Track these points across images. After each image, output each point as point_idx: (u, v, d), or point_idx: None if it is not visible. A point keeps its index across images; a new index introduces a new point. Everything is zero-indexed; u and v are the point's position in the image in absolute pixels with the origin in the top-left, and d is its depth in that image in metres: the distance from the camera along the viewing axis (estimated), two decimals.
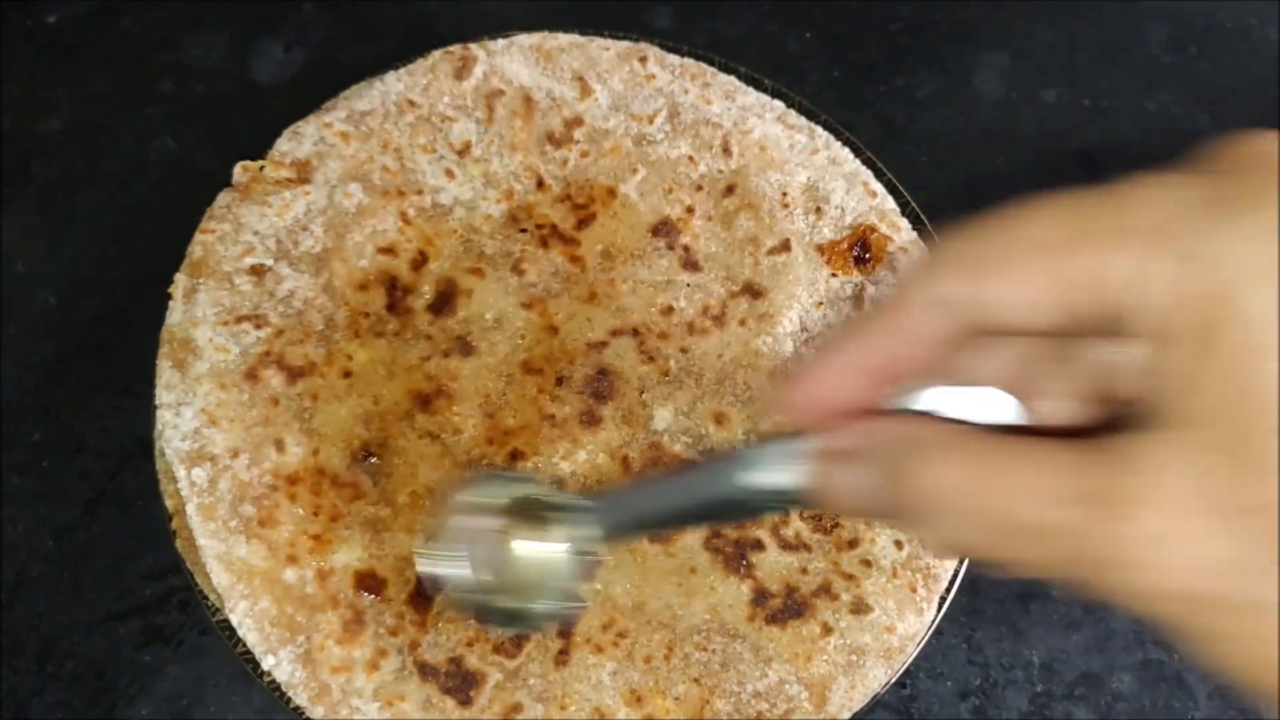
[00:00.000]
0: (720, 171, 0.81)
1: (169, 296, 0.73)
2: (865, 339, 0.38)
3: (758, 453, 0.43)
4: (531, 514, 0.55)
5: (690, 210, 0.80)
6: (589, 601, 0.69)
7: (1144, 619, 0.30)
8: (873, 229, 0.79)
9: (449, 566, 0.55)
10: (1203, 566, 0.28)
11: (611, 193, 0.80)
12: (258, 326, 0.73)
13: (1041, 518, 0.30)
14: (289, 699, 0.66)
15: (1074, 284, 0.31)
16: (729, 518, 0.63)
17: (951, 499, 0.33)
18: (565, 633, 0.68)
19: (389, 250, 0.77)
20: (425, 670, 0.66)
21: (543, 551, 0.54)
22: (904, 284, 0.36)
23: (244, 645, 0.66)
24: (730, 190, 0.81)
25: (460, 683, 0.66)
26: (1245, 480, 0.27)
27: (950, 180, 0.92)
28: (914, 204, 0.81)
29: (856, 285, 0.79)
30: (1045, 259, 0.31)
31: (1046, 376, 0.36)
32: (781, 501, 0.44)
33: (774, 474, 0.42)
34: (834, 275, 0.79)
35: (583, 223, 0.80)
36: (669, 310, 0.78)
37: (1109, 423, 0.34)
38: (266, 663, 0.66)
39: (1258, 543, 0.27)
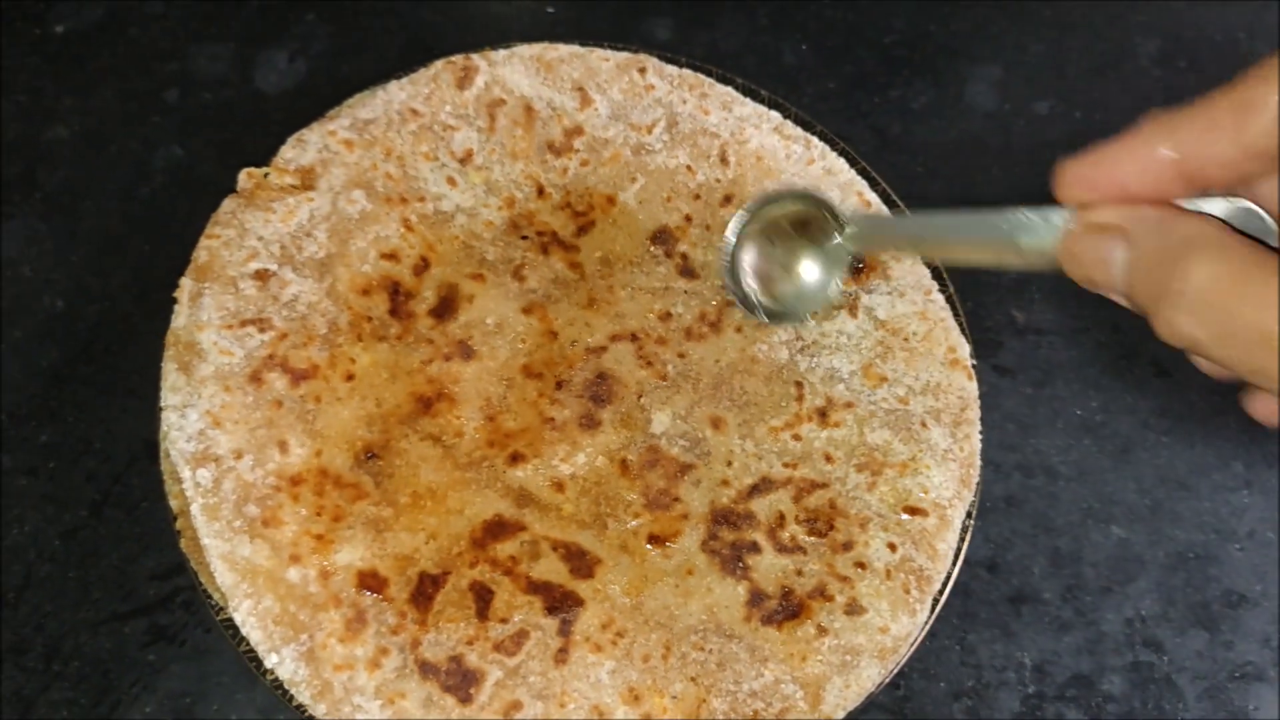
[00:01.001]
0: (718, 181, 0.83)
1: (174, 301, 0.74)
2: (1191, 130, 0.40)
3: (1027, 214, 0.50)
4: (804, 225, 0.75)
5: (688, 219, 0.82)
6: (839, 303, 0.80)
7: None
8: None
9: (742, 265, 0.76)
10: None
11: (611, 201, 0.82)
12: (261, 330, 0.74)
13: None
14: (291, 697, 0.67)
15: None
16: (973, 261, 0.71)
17: (1209, 296, 0.37)
18: (564, 631, 0.69)
19: (391, 256, 0.78)
20: (426, 668, 0.67)
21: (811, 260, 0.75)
22: (1249, 84, 0.38)
23: (247, 644, 0.67)
24: (728, 199, 0.82)
25: (460, 680, 0.67)
26: None
27: (944, 190, 0.94)
28: (908, 212, 0.82)
29: (851, 294, 0.80)
30: None
31: None
32: (1033, 259, 0.50)
33: (1038, 234, 0.49)
34: None
35: (582, 230, 0.81)
36: (667, 316, 0.79)
37: None
38: (269, 661, 0.67)
39: None
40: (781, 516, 0.74)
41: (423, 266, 0.78)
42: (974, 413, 0.77)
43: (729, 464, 0.75)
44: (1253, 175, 0.40)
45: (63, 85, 0.92)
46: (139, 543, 0.78)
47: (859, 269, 0.80)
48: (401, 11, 0.97)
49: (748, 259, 0.77)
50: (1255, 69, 0.39)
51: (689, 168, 0.83)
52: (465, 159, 0.81)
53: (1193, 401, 0.87)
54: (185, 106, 0.92)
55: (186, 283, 0.74)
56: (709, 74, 0.85)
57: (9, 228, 0.87)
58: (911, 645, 0.72)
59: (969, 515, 0.75)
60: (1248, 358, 0.37)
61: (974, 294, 0.88)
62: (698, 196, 0.82)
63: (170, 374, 0.72)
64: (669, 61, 0.85)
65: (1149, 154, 0.41)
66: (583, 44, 0.85)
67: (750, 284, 0.77)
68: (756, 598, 0.71)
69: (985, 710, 0.78)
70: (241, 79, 0.93)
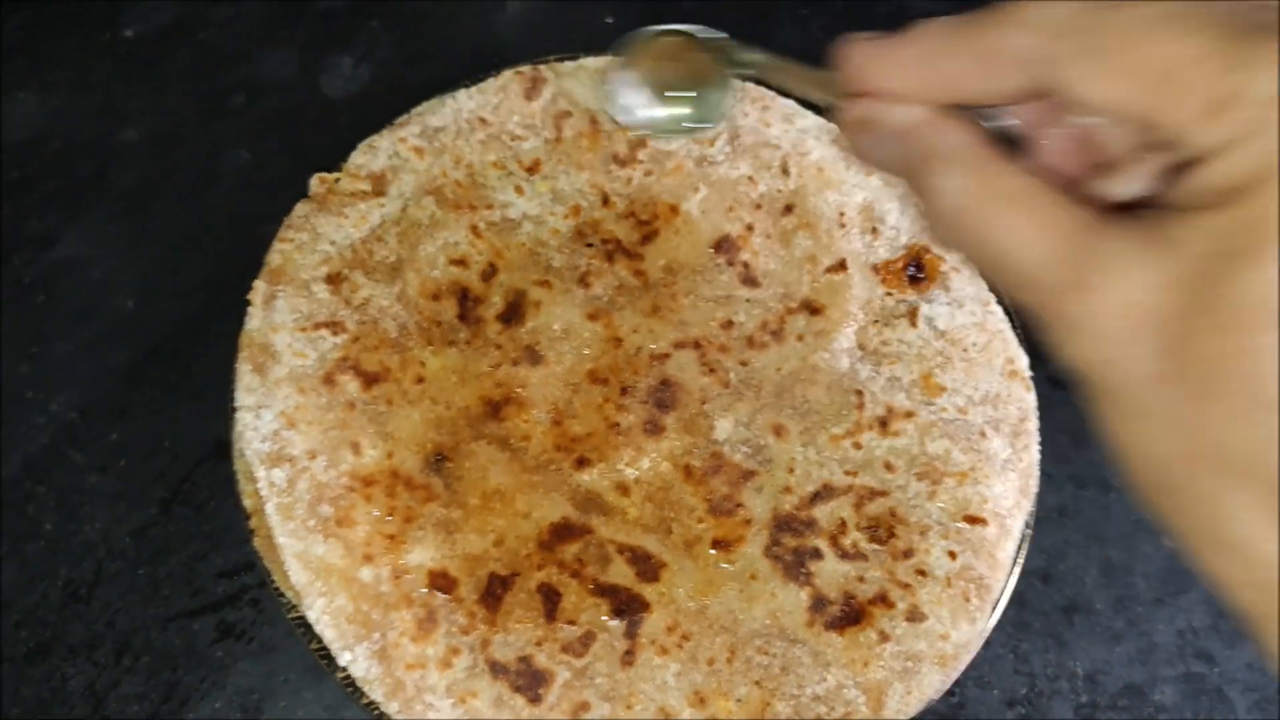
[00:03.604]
0: (779, 191, 0.84)
1: (247, 303, 0.75)
2: (951, 51, 0.40)
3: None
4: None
5: (750, 228, 0.83)
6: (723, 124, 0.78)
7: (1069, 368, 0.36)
8: (926, 249, 0.81)
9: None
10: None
11: (674, 210, 0.83)
12: (335, 333, 0.75)
13: (1024, 260, 0.37)
14: (362, 694, 0.68)
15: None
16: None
17: (953, 206, 0.39)
18: (631, 634, 0.70)
19: (460, 262, 0.79)
20: (496, 668, 0.69)
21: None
22: (1000, 23, 0.38)
23: (318, 642, 0.69)
24: (789, 209, 0.83)
25: (530, 681, 0.68)
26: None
27: None
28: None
29: (911, 303, 0.81)
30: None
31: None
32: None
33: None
34: (889, 294, 0.81)
35: (646, 239, 0.82)
36: (729, 324, 0.80)
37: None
38: (343, 659, 0.68)
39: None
40: (843, 523, 0.75)
41: (491, 273, 0.80)
42: (1032, 424, 0.78)
43: (791, 471, 0.76)
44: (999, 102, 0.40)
45: (133, 88, 0.93)
46: (208, 541, 0.80)
47: (919, 279, 0.81)
48: (464, 20, 0.99)
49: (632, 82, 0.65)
50: None
51: (751, 178, 0.84)
52: (533, 168, 0.83)
53: None
54: (253, 110, 0.94)
55: (260, 285, 0.76)
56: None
57: (80, 228, 0.88)
58: (971, 653, 0.73)
59: (1026, 525, 0.76)
60: (992, 276, 0.40)
61: None
62: (759, 206, 0.84)
63: (245, 375, 0.74)
64: None
65: (923, 66, 0.41)
66: None
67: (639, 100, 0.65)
68: (819, 603, 0.72)
69: (1039, 718, 0.79)
70: (308, 84, 0.95)
